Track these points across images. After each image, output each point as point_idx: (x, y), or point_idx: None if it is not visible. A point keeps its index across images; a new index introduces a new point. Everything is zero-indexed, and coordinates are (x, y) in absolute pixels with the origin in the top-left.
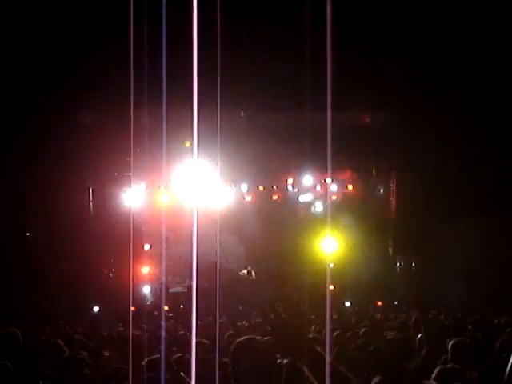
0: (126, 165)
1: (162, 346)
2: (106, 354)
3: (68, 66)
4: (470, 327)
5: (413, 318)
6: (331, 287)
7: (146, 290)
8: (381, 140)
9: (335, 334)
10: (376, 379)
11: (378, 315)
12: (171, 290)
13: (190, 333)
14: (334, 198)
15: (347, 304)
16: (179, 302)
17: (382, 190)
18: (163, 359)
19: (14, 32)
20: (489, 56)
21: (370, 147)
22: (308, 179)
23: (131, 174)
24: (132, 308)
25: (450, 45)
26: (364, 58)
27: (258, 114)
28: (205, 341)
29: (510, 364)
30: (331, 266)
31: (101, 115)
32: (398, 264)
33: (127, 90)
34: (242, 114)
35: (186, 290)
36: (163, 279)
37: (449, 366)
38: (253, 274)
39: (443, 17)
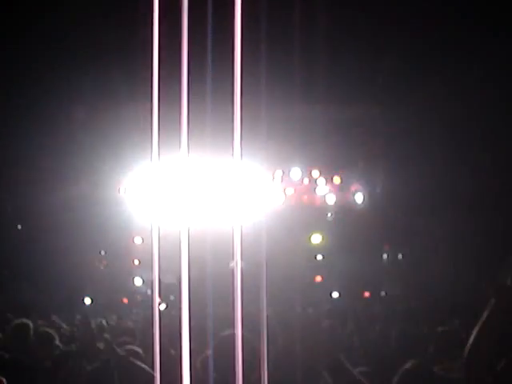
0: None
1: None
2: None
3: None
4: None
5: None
6: (319, 279)
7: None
8: (367, 131)
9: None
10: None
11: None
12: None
13: None
14: (320, 190)
15: (335, 295)
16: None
17: (368, 182)
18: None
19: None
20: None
21: (357, 139)
22: (296, 172)
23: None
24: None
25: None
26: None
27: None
28: None
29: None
30: (320, 258)
31: (93, 109)
32: (385, 256)
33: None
34: None
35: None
36: None
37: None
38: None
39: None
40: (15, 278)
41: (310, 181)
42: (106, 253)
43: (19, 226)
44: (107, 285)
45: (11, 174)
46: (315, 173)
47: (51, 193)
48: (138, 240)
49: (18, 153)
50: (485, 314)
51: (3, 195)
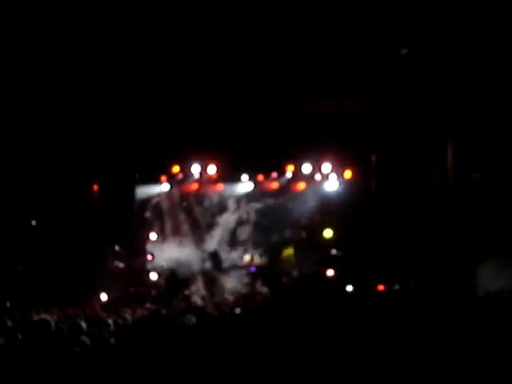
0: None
1: None
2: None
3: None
4: None
5: None
6: (331, 272)
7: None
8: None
9: None
10: None
11: None
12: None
13: None
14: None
15: (349, 288)
16: None
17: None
18: None
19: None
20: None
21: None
22: (307, 167)
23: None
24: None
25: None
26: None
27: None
28: None
29: None
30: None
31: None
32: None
33: None
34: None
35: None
36: None
37: None
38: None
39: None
40: (29, 273)
41: (321, 175)
42: (121, 248)
43: (33, 222)
44: (123, 280)
45: (25, 170)
46: (325, 167)
47: (66, 189)
48: (153, 236)
49: (33, 148)
50: None
51: (17, 191)
